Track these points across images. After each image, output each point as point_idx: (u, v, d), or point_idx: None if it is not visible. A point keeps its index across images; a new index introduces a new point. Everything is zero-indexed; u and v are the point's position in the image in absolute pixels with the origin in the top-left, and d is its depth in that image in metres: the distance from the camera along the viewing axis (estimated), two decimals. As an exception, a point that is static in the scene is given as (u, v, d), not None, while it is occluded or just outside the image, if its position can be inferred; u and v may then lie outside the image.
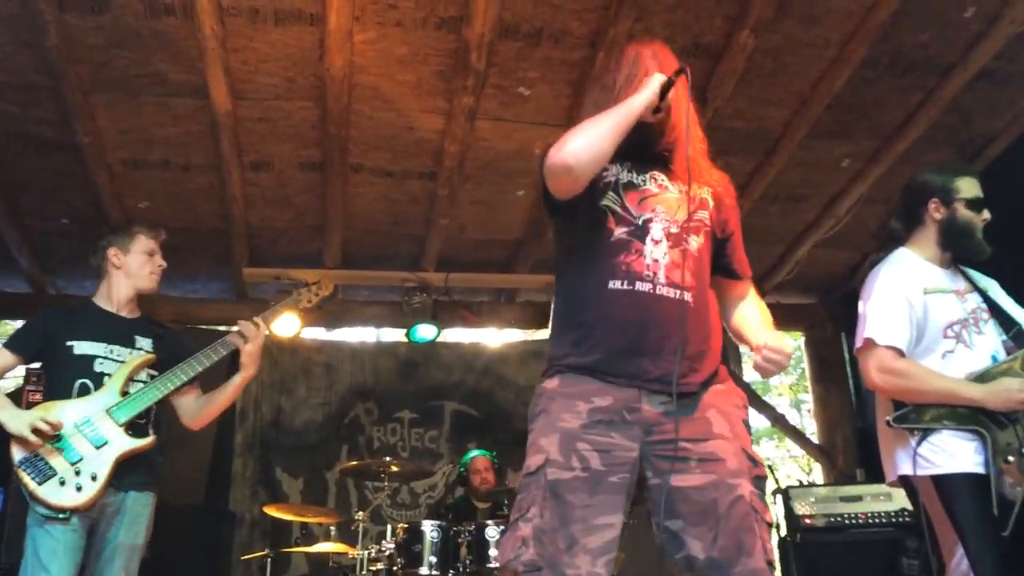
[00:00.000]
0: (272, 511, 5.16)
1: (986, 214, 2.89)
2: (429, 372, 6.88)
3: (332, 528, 5.03)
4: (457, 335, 7.79)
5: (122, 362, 3.18)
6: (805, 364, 7.66)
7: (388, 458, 5.11)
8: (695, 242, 2.14)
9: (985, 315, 2.84)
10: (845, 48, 4.37)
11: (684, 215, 2.14)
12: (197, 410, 3.33)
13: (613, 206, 2.13)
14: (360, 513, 4.86)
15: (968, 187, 2.89)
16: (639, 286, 2.05)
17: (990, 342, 2.80)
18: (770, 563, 1.94)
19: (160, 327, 3.45)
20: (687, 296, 2.07)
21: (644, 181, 2.17)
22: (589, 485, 1.93)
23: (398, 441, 6.66)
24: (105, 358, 3.18)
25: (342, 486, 6.41)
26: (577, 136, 2.01)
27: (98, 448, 3.00)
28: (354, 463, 5.38)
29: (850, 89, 4.63)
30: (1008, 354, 2.78)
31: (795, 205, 5.76)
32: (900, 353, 2.73)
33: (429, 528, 4.57)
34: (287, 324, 6.03)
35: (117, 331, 3.27)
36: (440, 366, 6.93)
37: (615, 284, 2.06)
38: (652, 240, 2.09)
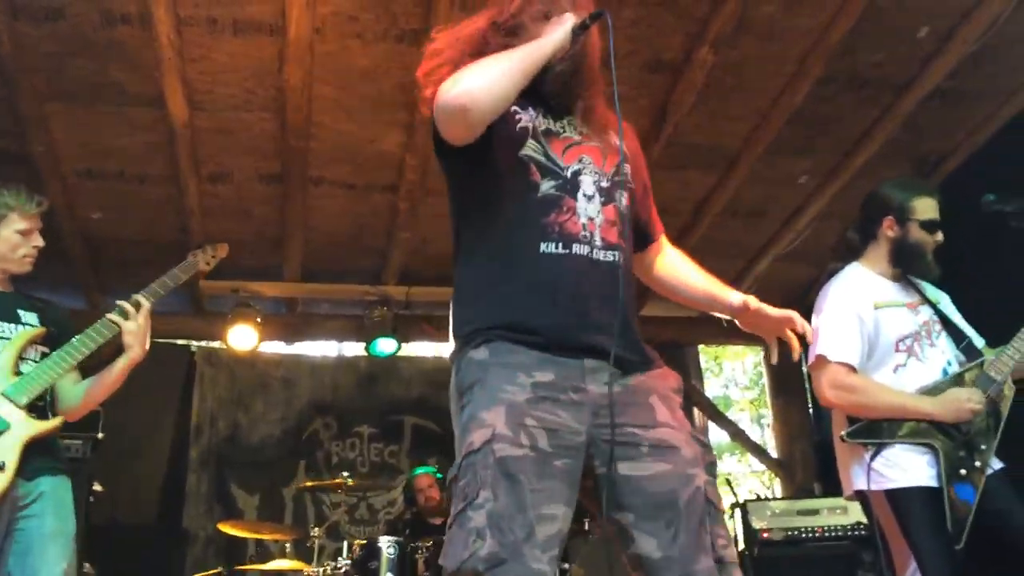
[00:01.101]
0: (227, 528, 5.07)
1: (939, 236, 2.91)
2: (389, 386, 6.84)
3: (288, 545, 4.98)
4: (418, 349, 7.75)
5: (7, 339, 2.85)
6: (765, 379, 7.73)
7: (346, 473, 5.05)
8: (622, 198, 1.93)
9: (937, 327, 2.87)
10: (803, 65, 4.43)
11: (611, 167, 1.93)
12: (76, 396, 2.96)
13: (536, 155, 1.87)
14: (317, 529, 4.81)
15: (925, 208, 2.92)
16: (576, 249, 1.81)
17: (942, 355, 2.82)
18: (724, 559, 1.71)
19: (41, 300, 3.11)
20: (620, 259, 1.86)
21: (563, 128, 1.93)
22: (537, 467, 1.65)
23: (357, 456, 6.60)
24: None
25: (299, 502, 6.33)
26: (475, 73, 1.76)
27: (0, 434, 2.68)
28: (310, 482, 5.32)
29: (808, 105, 4.68)
30: (960, 367, 2.81)
31: (755, 220, 5.81)
32: (852, 369, 2.75)
33: (386, 544, 4.52)
34: (243, 337, 5.96)
35: None
36: (400, 380, 6.89)
37: (548, 247, 1.80)
38: (584, 195, 1.86)
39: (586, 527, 4.98)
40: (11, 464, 2.66)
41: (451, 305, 1.99)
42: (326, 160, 5.01)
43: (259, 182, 5.16)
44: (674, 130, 4.64)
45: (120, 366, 2.92)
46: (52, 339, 2.93)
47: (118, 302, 2.92)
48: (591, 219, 1.85)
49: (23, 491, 2.71)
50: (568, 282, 1.80)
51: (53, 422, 2.83)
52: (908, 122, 4.86)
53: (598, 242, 1.84)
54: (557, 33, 1.85)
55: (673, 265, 2.18)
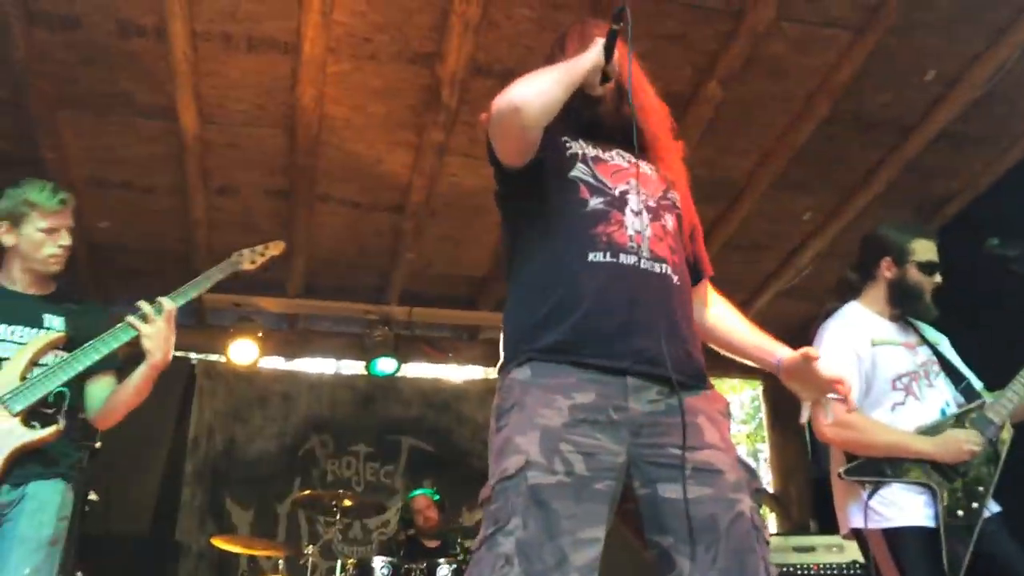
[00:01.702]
0: (220, 543, 5.05)
1: (937, 278, 2.93)
2: (388, 406, 6.82)
3: (280, 562, 4.94)
4: (418, 370, 7.75)
5: (24, 344, 2.72)
6: (763, 413, 7.71)
7: (341, 491, 5.04)
8: (671, 221, 1.98)
9: (936, 368, 2.88)
10: (809, 103, 4.47)
11: (659, 192, 2.00)
12: (103, 402, 2.81)
13: (585, 176, 1.94)
14: (310, 547, 4.79)
15: (923, 250, 2.94)
16: (623, 259, 1.84)
17: (941, 395, 2.83)
18: None
19: (75, 302, 2.94)
20: (670, 271, 1.89)
21: (612, 157, 2.01)
22: (574, 492, 1.65)
23: (353, 475, 6.58)
24: (4, 340, 2.72)
25: (293, 519, 6.30)
26: (523, 81, 1.83)
27: None
28: (306, 493, 5.30)
29: (813, 144, 4.72)
30: (958, 408, 2.81)
31: (757, 254, 5.84)
32: None
33: (379, 565, 4.50)
34: (244, 352, 5.96)
35: (20, 310, 2.79)
36: (399, 401, 6.88)
37: (596, 256, 1.84)
38: (632, 211, 1.91)
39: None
40: None
41: (503, 321, 2.02)
42: (333, 178, 5.04)
43: (266, 197, 5.19)
44: (680, 162, 4.67)
45: (140, 374, 2.75)
46: (77, 344, 2.74)
47: (139, 303, 2.72)
48: (639, 232, 1.89)
49: (7, 498, 2.59)
50: (616, 289, 1.82)
51: (47, 431, 2.63)
52: (913, 164, 4.90)
53: (646, 253, 1.87)
54: (591, 51, 1.91)
55: (719, 309, 2.19)
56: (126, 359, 2.88)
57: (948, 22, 4.03)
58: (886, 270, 2.95)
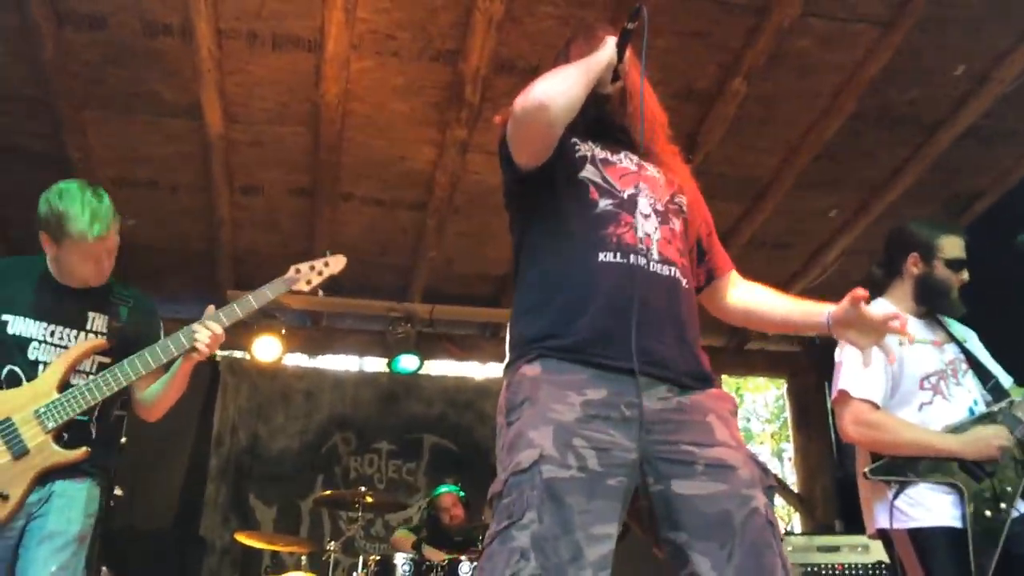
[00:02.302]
0: (243, 539, 5.08)
1: (964, 275, 2.89)
2: (410, 404, 6.84)
3: (303, 558, 4.95)
4: (440, 368, 7.75)
5: (64, 347, 2.62)
6: (788, 412, 7.66)
7: (363, 488, 5.05)
8: (678, 224, 1.99)
9: (964, 366, 2.84)
10: (835, 100, 4.43)
11: (666, 196, 2.00)
12: (151, 396, 2.75)
13: (594, 178, 1.94)
14: (332, 544, 4.80)
15: (951, 246, 2.90)
16: (633, 259, 1.84)
17: (968, 394, 2.79)
18: None
19: (124, 297, 2.81)
20: (679, 274, 1.90)
21: (620, 160, 2.01)
22: (587, 488, 1.65)
23: (375, 472, 6.60)
24: (43, 342, 2.62)
25: (315, 516, 6.33)
26: (546, 79, 1.84)
27: (16, 459, 2.46)
28: (328, 492, 5.31)
29: (839, 141, 4.68)
30: (987, 406, 2.77)
31: (781, 252, 5.79)
32: (875, 406, 2.73)
33: (401, 561, 4.50)
34: (267, 349, 5.99)
35: (64, 307, 2.67)
36: (421, 398, 6.89)
37: (606, 256, 1.84)
38: (641, 214, 1.91)
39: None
40: (16, 495, 2.46)
41: (509, 322, 2.01)
42: (356, 176, 5.05)
43: (289, 195, 5.21)
44: (703, 160, 4.65)
45: (181, 368, 2.70)
46: (122, 347, 2.66)
47: (193, 326, 2.65)
48: (648, 234, 1.90)
49: (35, 496, 2.54)
50: (626, 289, 1.81)
51: (75, 453, 2.56)
52: (940, 161, 4.84)
53: (655, 255, 1.87)
54: (606, 49, 1.93)
55: (749, 292, 2.19)
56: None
57: (976, 19, 3.98)
58: (913, 266, 2.91)
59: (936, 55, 4.18)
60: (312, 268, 2.91)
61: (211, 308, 2.72)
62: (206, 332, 2.64)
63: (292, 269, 2.89)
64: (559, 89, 1.82)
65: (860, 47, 4.13)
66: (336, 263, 2.96)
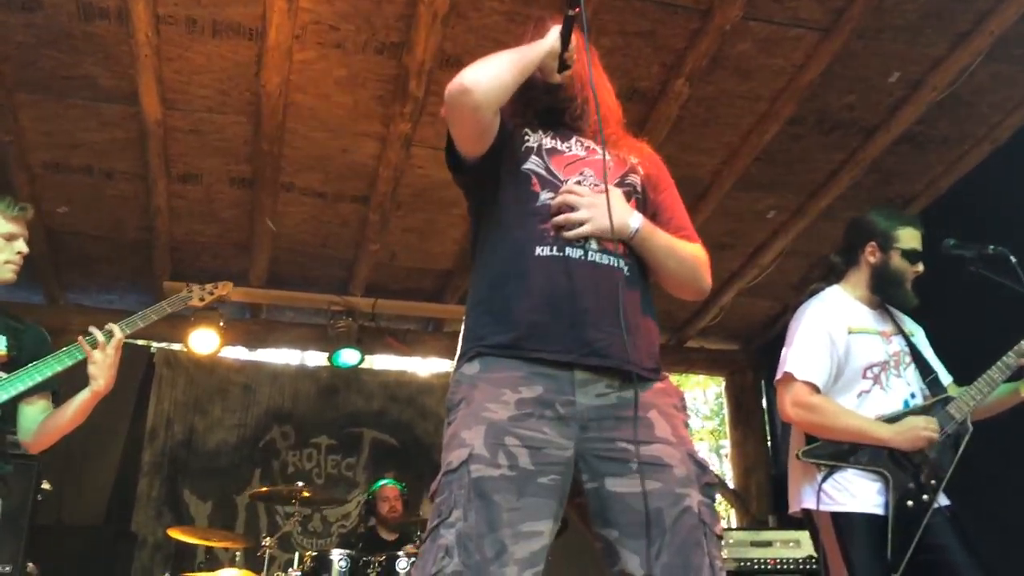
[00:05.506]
0: (176, 534, 4.99)
1: (920, 267, 2.95)
2: (350, 398, 6.79)
3: (238, 554, 4.89)
4: (381, 362, 7.71)
5: None
6: (725, 410, 7.77)
7: (300, 483, 5.00)
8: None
9: (907, 359, 2.91)
10: (775, 104, 4.50)
11: (615, 179, 1.97)
12: (39, 425, 2.76)
13: (537, 169, 1.95)
14: (268, 539, 4.74)
15: (908, 238, 2.96)
16: (569, 252, 1.84)
17: (907, 387, 2.86)
18: None
19: (18, 321, 2.88)
20: (622, 264, 1.88)
21: (569, 147, 2.01)
22: (516, 485, 1.67)
23: (314, 467, 6.54)
24: None
25: (252, 511, 6.25)
26: (474, 65, 1.84)
27: None
28: (265, 488, 5.25)
29: (778, 144, 4.76)
30: (924, 400, 2.85)
31: (721, 253, 5.87)
32: (816, 389, 2.79)
33: (338, 557, 4.47)
34: (205, 341, 5.89)
35: None
36: (362, 393, 6.84)
37: (542, 251, 1.85)
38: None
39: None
40: None
41: (464, 316, 2.01)
42: (298, 167, 4.99)
43: (229, 185, 5.13)
44: (646, 159, 4.69)
45: (82, 399, 2.72)
46: (15, 365, 2.71)
47: (91, 328, 2.72)
48: None
49: None
50: (561, 284, 1.82)
51: None
52: (875, 165, 4.96)
53: (594, 245, 1.86)
54: (547, 38, 1.92)
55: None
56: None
57: (912, 26, 4.07)
58: (870, 255, 2.97)
59: (873, 61, 4.27)
60: (203, 288, 3.27)
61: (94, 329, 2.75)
62: (100, 333, 2.72)
63: (185, 288, 3.24)
64: (486, 74, 1.82)
65: (799, 52, 4.20)
66: (223, 288, 3.32)
